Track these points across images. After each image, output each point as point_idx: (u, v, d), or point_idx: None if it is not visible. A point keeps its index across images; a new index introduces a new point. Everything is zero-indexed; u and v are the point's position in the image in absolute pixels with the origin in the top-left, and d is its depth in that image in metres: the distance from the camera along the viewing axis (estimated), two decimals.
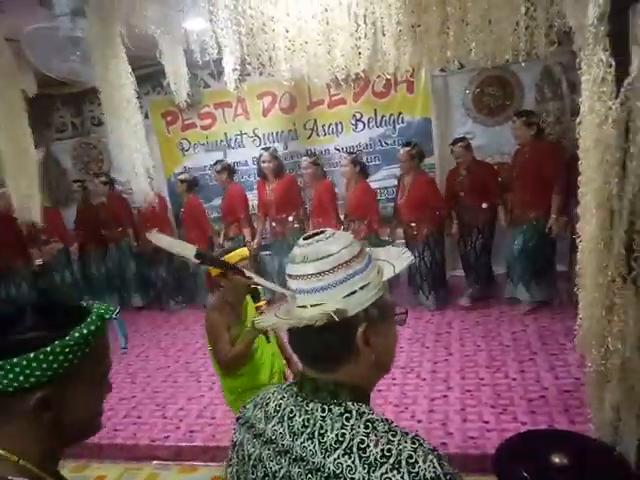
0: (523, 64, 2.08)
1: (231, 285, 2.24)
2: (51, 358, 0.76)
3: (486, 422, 2.96)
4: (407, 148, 4.59)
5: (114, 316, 0.86)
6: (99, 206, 5.97)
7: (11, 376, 0.75)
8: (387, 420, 0.79)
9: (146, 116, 5.74)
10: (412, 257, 0.92)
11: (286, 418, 0.85)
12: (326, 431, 0.79)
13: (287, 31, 2.37)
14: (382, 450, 0.73)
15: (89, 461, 3.28)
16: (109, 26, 2.83)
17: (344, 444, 0.76)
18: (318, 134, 5.51)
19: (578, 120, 2.02)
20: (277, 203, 5.13)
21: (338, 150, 5.43)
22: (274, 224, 5.24)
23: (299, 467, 0.79)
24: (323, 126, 5.47)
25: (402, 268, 0.89)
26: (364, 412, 0.80)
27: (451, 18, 1.98)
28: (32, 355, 0.75)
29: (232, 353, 2.21)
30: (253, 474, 0.86)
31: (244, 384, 2.30)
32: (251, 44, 2.44)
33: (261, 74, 4.33)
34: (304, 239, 0.87)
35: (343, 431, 0.77)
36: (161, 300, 5.85)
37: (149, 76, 5.25)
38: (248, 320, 2.30)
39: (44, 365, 0.76)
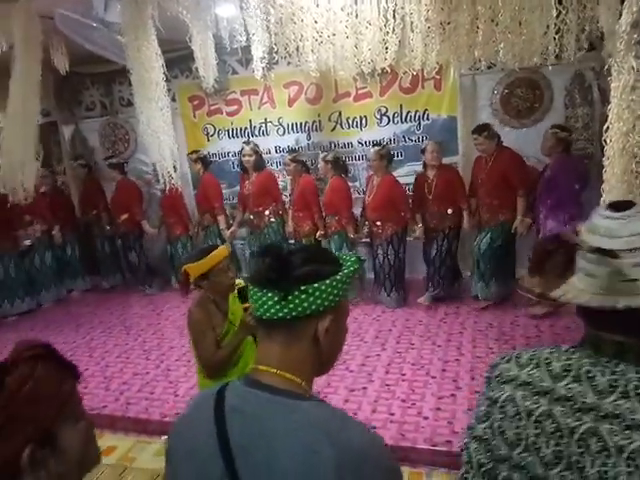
0: (550, 67, 2.05)
1: (214, 287, 2.09)
2: (339, 285, 0.87)
3: None
4: (377, 148, 4.74)
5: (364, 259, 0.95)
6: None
7: (311, 299, 0.84)
8: None
9: (173, 99, 5.83)
10: None
11: (584, 378, 0.87)
12: None
13: (316, 22, 2.38)
14: None
15: (102, 432, 3.37)
16: (142, 9, 2.88)
17: None
18: (342, 126, 5.50)
19: (605, 127, 1.99)
20: (255, 196, 5.27)
21: (361, 144, 5.43)
22: (251, 217, 5.38)
23: (611, 424, 0.82)
24: (348, 119, 5.45)
25: None
26: None
27: (481, 17, 1.96)
28: (327, 281, 0.85)
29: (218, 357, 2.05)
30: (537, 429, 0.89)
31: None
32: (279, 33, 2.45)
33: (289, 64, 4.37)
34: (610, 207, 0.88)
35: None
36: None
37: (179, 59, 5.29)
38: (235, 317, 2.14)
39: (335, 291, 0.86)
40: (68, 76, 4.38)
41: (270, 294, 0.84)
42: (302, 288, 0.84)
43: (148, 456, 3.09)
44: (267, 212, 5.30)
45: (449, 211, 4.64)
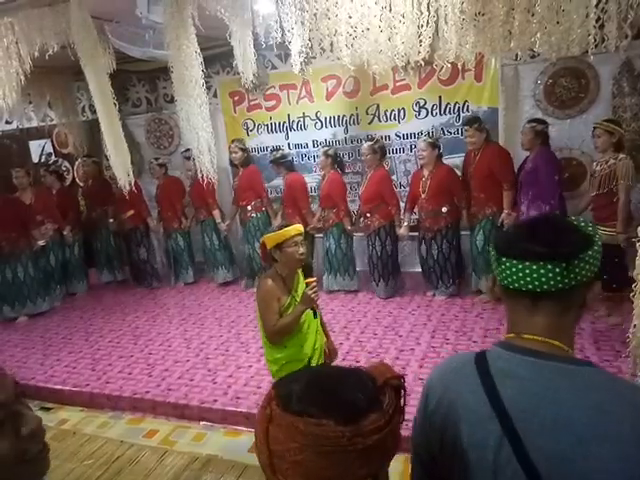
0: (592, 57, 1.99)
1: (285, 258, 2.32)
2: (600, 250, 0.88)
3: None
4: (370, 143, 4.92)
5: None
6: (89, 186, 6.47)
7: (588, 267, 0.86)
8: None
9: (215, 95, 5.96)
10: None
11: None
12: None
13: (350, 17, 2.39)
14: None
15: (144, 415, 3.55)
16: (183, 9, 2.97)
17: None
18: (380, 120, 5.48)
19: None
20: (240, 191, 5.54)
21: (399, 137, 5.39)
22: (239, 211, 5.64)
23: None
24: (385, 112, 5.42)
25: None
26: None
27: (517, 7, 1.93)
28: (596, 247, 0.87)
29: (280, 324, 2.30)
30: None
31: (288, 356, 2.38)
32: (314, 29, 2.48)
33: (327, 57, 4.38)
34: None
35: None
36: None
37: (220, 56, 5.40)
38: (298, 294, 2.38)
39: (599, 256, 0.88)
40: (115, 74, 4.55)
41: (550, 266, 0.85)
42: (580, 256, 0.85)
43: (187, 440, 3.23)
44: (249, 207, 5.50)
45: (444, 210, 4.67)
